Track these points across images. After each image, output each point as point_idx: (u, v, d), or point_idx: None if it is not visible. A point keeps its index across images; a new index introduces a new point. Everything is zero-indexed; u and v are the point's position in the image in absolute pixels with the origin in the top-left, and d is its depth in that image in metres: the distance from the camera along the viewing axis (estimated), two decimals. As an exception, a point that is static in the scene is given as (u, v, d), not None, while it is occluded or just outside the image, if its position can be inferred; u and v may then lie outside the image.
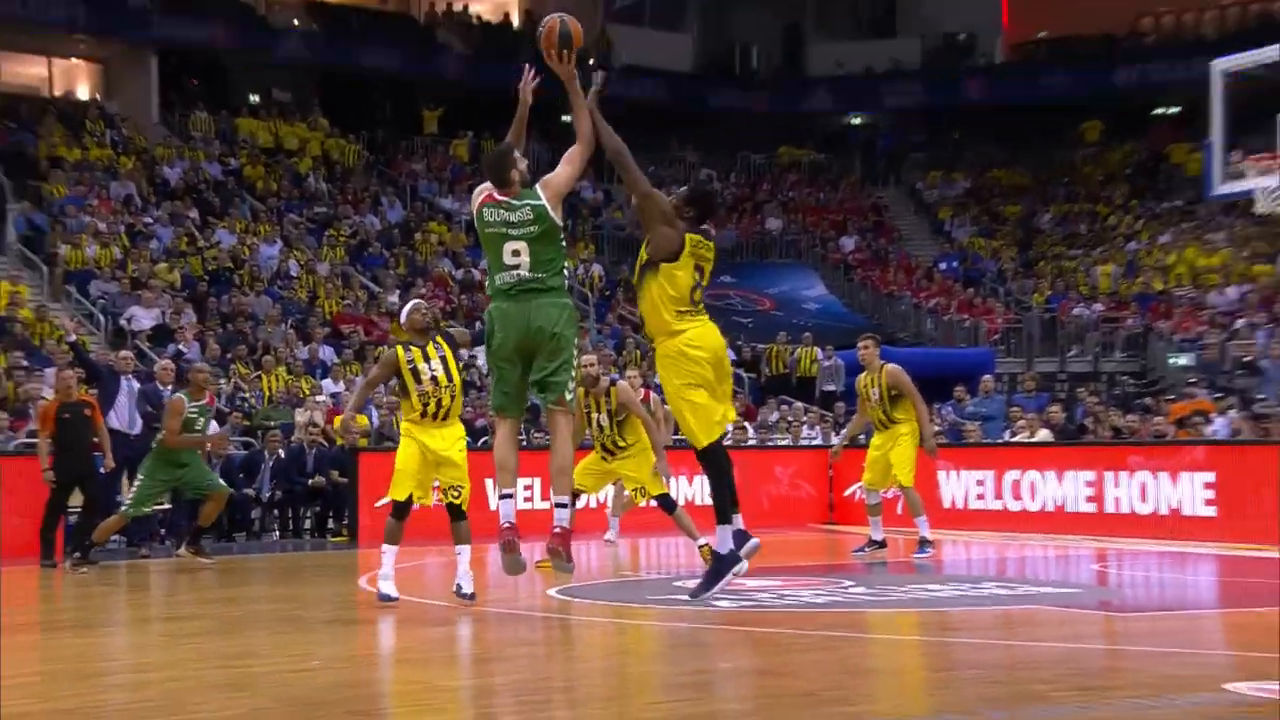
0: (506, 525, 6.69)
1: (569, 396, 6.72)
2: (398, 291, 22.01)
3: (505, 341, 6.72)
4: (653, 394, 11.55)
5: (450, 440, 8.17)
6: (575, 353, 6.80)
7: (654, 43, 33.22)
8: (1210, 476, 13.46)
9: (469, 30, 31.82)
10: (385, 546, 8.17)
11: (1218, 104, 14.32)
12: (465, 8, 32.57)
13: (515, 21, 33.35)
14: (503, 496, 6.75)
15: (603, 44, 32.82)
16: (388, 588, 8.09)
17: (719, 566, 7.40)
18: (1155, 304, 25.29)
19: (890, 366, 11.40)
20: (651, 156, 31.56)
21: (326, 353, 19.04)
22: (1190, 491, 13.53)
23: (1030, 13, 35.27)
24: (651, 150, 31.62)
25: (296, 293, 21.32)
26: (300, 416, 15.86)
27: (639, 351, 20.79)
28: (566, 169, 6.85)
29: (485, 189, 6.88)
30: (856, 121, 35.54)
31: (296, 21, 29.43)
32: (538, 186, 6.80)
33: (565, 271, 6.94)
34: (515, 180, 6.80)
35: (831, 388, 22.42)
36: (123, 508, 11.74)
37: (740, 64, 35.60)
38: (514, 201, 6.76)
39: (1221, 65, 14.70)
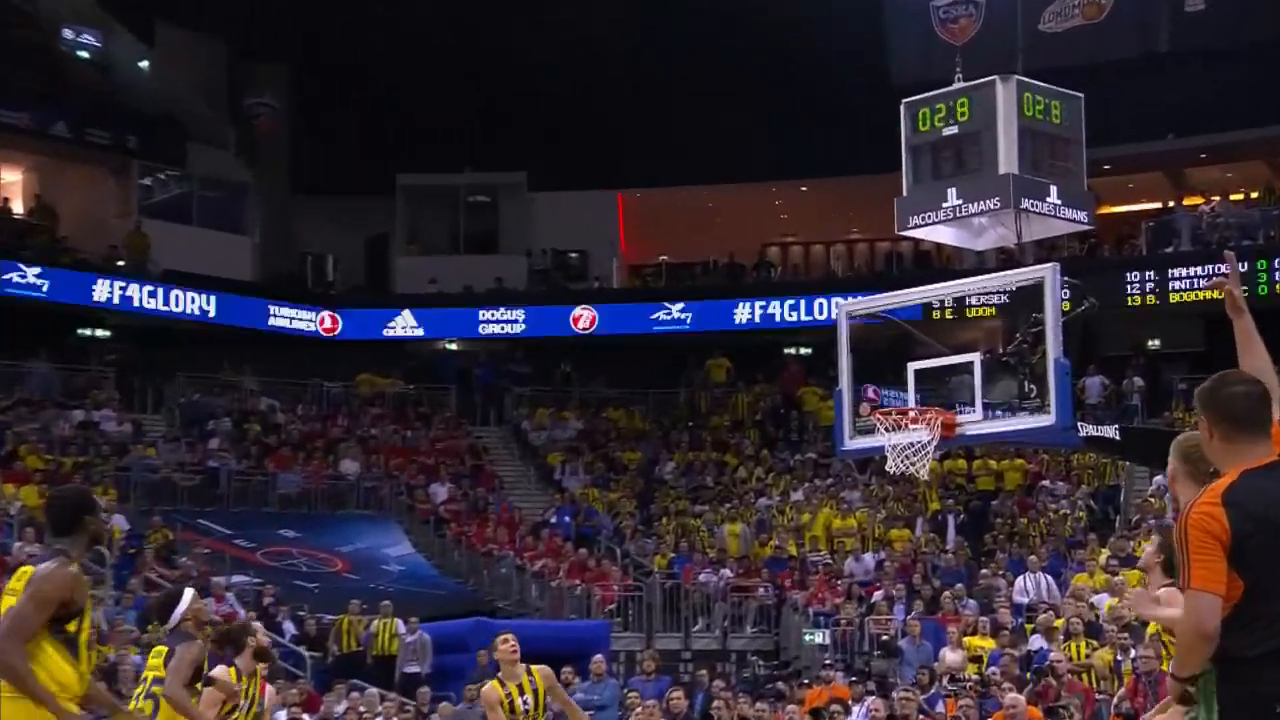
0: None
1: None
2: None
3: None
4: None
5: None
6: None
7: (204, 246, 32.99)
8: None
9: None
10: None
11: (845, 349, 15.22)
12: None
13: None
14: None
15: (137, 243, 32.17)
16: None
17: None
18: (788, 571, 26.23)
19: (543, 669, 10.85)
20: (197, 382, 30.82)
21: None
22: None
23: (650, 234, 37.14)
24: (197, 373, 30.93)
25: None
26: None
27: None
28: None
29: None
30: (451, 348, 35.96)
31: None
32: None
33: None
34: None
35: (416, 669, 22.04)
36: None
37: (312, 276, 35.79)
38: None
39: (849, 307, 15.69)
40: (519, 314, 34.59)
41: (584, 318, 34.16)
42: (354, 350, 33.66)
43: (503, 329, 34.72)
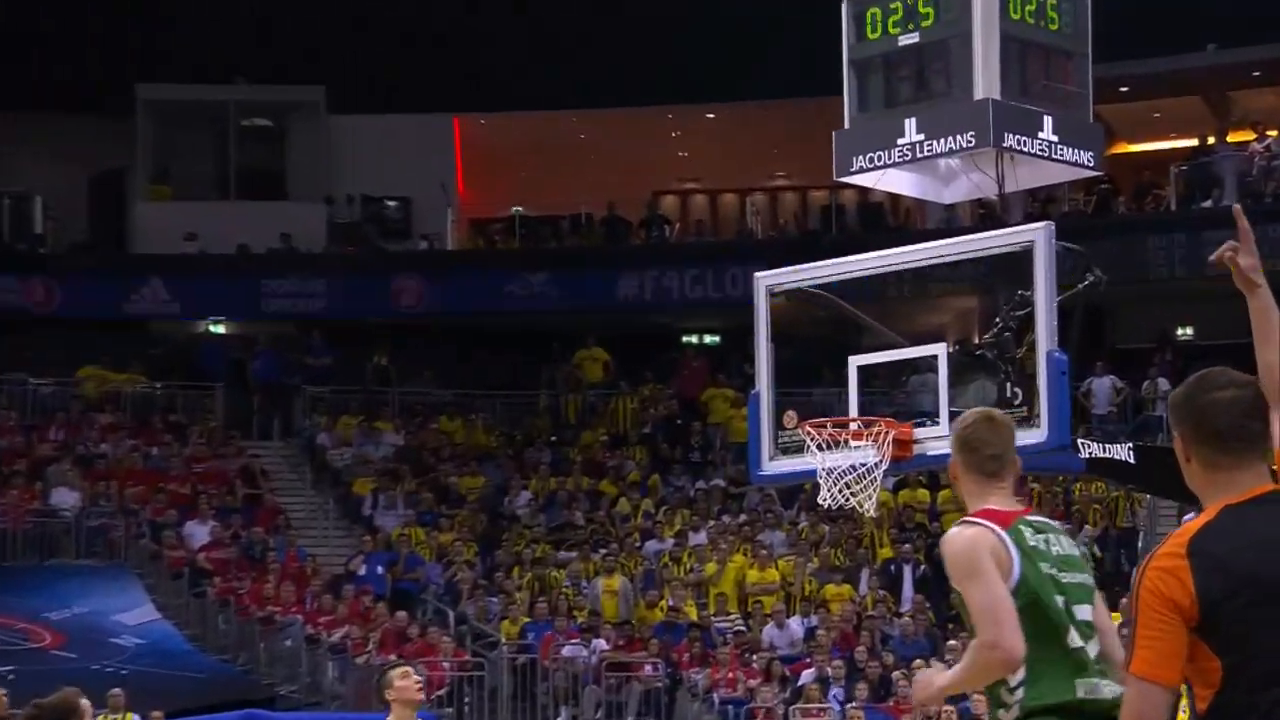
0: None
1: None
2: None
3: None
4: None
5: None
6: None
7: None
8: None
9: None
10: None
11: (765, 337, 15.28)
12: None
13: None
14: None
15: None
16: None
17: None
18: (686, 641, 26.31)
19: None
20: None
21: None
22: None
23: (499, 176, 37.11)
24: None
25: None
26: None
27: None
28: None
29: None
30: (218, 331, 35.66)
31: None
32: None
33: None
34: None
35: (161, 782, 21.98)
36: None
37: (12, 228, 35.48)
38: None
39: (771, 280, 15.73)
40: (316, 285, 34.49)
41: (408, 291, 34.15)
42: (76, 333, 33.40)
43: (293, 305, 34.60)
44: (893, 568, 27.48)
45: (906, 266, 17.23)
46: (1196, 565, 4.37)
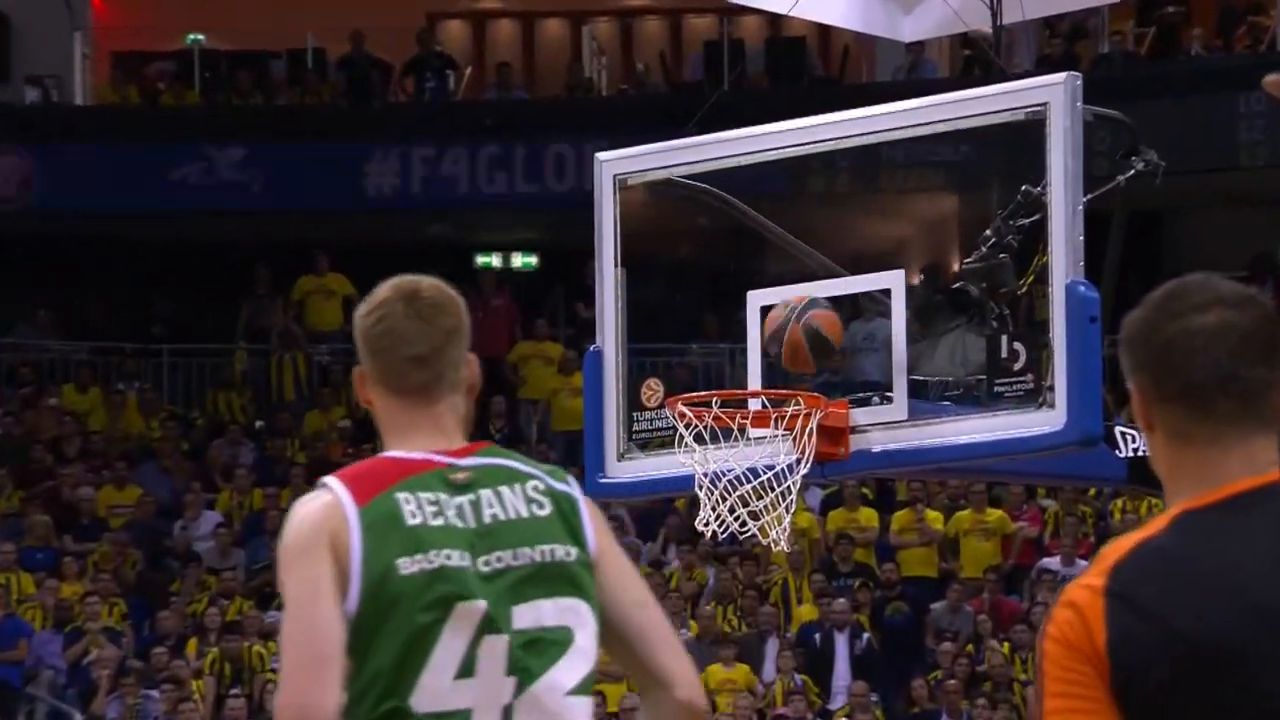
0: None
1: None
2: None
3: None
4: None
5: None
6: None
7: None
8: None
9: None
10: None
11: (611, 259, 15.85)
12: None
13: None
14: None
15: None
16: None
17: None
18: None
19: None
20: None
21: None
22: None
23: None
24: None
25: None
26: None
27: None
28: None
29: None
30: None
31: None
32: None
33: None
34: None
35: None
36: None
37: None
38: None
39: (622, 165, 16.36)
40: None
41: (4, 176, 34.47)
42: None
43: None
44: (817, 637, 27.88)
45: (843, 146, 17.43)
46: (1113, 610, 4.42)
